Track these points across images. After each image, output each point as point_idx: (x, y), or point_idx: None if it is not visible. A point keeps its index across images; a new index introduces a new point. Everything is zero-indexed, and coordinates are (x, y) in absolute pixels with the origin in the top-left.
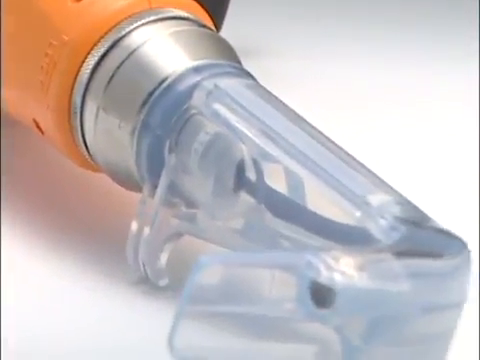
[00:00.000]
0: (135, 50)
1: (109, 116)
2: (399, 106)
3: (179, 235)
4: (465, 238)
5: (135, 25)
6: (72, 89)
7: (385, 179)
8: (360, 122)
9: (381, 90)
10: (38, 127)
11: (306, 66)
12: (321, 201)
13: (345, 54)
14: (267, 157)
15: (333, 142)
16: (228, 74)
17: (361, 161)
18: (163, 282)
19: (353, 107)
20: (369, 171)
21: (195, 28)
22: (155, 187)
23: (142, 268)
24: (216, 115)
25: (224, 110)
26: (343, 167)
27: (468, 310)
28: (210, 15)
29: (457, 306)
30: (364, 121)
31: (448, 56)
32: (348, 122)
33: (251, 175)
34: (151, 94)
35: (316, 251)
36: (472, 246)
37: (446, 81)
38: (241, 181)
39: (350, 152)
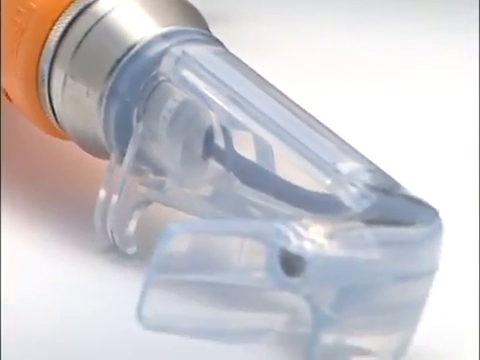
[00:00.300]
0: (103, 17)
1: (77, 83)
2: (387, 75)
3: (147, 203)
4: (460, 211)
5: None
6: (40, 56)
7: (375, 152)
8: (344, 92)
9: (366, 58)
10: (6, 95)
11: (279, 32)
12: (290, 168)
13: (324, 20)
14: (236, 124)
15: (303, 109)
16: (196, 41)
17: (333, 129)
18: (131, 250)
19: (333, 76)
20: (339, 138)
21: None
22: (123, 154)
23: (110, 236)
24: (184, 82)
25: (192, 77)
26: (313, 134)
27: (468, 308)
28: None
29: (429, 274)
30: (349, 91)
31: (447, 24)
32: (327, 92)
33: (220, 142)
34: (119, 61)
35: (286, 219)
36: (470, 226)
37: (444, 50)
38: (210, 148)
39: (330, 122)
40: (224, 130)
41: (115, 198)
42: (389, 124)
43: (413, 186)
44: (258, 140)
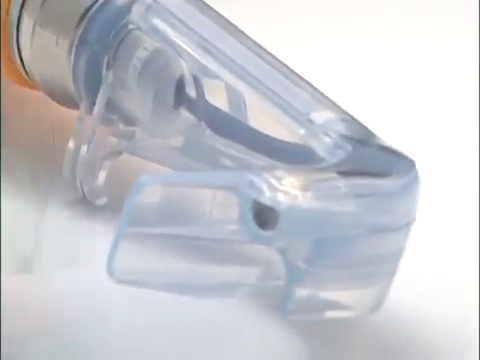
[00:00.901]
0: None
1: (46, 32)
2: (375, 25)
3: (117, 153)
4: (461, 180)
5: None
6: (9, 5)
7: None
8: (318, 40)
9: (353, 7)
10: None
11: None
12: (263, 118)
13: None
14: (207, 73)
15: (276, 59)
16: None
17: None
18: (101, 201)
19: (310, 24)
20: (313, 88)
21: None
22: (93, 104)
23: (79, 187)
24: (155, 30)
25: (163, 25)
26: (286, 84)
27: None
28: None
29: (405, 226)
30: (322, 38)
31: None
32: (302, 40)
33: (191, 91)
34: (88, 9)
35: (259, 171)
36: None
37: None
38: (181, 98)
39: (303, 72)
40: (195, 79)
41: (84, 149)
42: (372, 76)
43: (395, 138)
44: (230, 89)
